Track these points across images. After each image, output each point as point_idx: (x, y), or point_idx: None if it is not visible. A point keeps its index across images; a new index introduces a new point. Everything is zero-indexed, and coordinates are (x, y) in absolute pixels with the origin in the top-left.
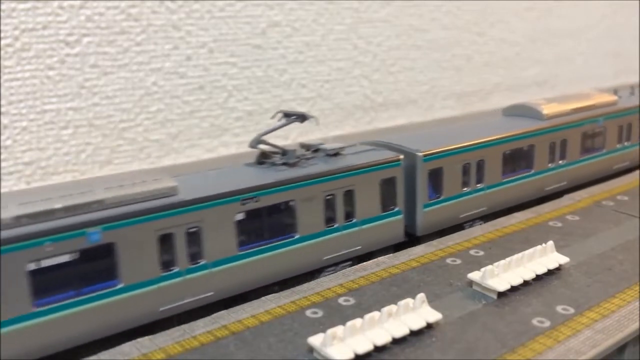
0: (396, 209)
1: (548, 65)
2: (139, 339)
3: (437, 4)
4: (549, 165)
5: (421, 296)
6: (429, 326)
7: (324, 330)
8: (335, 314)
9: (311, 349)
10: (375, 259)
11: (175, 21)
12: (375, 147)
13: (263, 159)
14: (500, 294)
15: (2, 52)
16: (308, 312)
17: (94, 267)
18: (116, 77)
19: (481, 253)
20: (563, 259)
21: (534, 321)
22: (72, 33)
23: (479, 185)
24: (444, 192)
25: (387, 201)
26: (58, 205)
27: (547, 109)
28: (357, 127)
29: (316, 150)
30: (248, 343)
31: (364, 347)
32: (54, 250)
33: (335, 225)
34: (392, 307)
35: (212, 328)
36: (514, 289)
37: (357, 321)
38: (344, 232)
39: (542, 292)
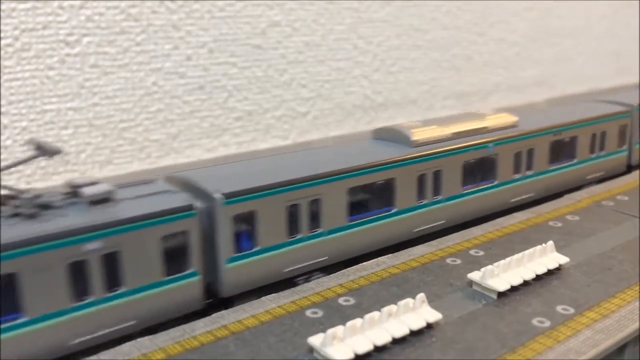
0: None
1: (548, 65)
2: (139, 339)
3: (437, 4)
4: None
5: (421, 296)
6: (429, 326)
7: (324, 330)
8: (335, 314)
9: (311, 349)
10: (375, 259)
11: (175, 21)
12: None
13: None
14: (500, 294)
15: (2, 52)
16: (308, 312)
17: None
18: (116, 77)
19: (481, 253)
20: (563, 259)
21: (534, 321)
22: (72, 33)
23: None
24: None
25: None
26: None
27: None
28: (357, 127)
29: None
30: (248, 343)
31: (364, 347)
32: None
33: None
34: (392, 307)
35: (212, 328)
36: (514, 289)
37: (357, 321)
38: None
39: (542, 292)
